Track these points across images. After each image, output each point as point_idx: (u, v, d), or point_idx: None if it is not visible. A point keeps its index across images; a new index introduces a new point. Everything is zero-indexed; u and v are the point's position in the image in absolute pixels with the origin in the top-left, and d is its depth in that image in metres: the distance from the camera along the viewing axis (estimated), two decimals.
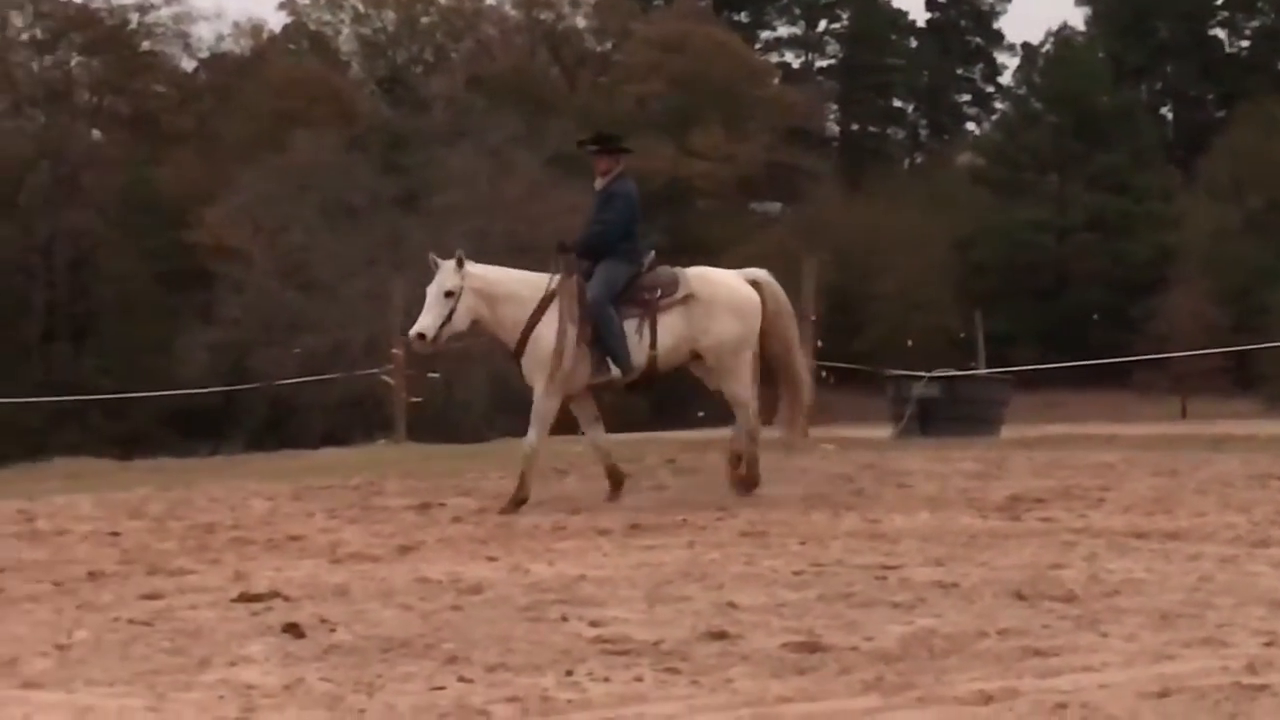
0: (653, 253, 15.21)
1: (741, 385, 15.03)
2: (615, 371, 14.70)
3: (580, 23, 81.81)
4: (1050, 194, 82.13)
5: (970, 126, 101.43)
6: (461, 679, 7.86)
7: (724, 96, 73.33)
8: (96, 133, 78.26)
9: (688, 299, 14.77)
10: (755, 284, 15.20)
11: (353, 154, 64.23)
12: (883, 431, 25.46)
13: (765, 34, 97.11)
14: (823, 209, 76.51)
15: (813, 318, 25.06)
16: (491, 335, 15.08)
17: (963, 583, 10.23)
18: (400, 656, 8.39)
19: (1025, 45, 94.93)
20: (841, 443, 21.69)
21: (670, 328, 14.74)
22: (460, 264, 14.51)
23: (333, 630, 9.06)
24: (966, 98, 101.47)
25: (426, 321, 14.44)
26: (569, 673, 7.96)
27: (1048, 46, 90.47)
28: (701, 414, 38.80)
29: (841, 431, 25.64)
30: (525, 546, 12.20)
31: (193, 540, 13.12)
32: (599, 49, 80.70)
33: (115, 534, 13.59)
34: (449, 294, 14.42)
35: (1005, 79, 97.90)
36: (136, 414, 57.36)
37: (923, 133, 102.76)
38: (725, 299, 14.92)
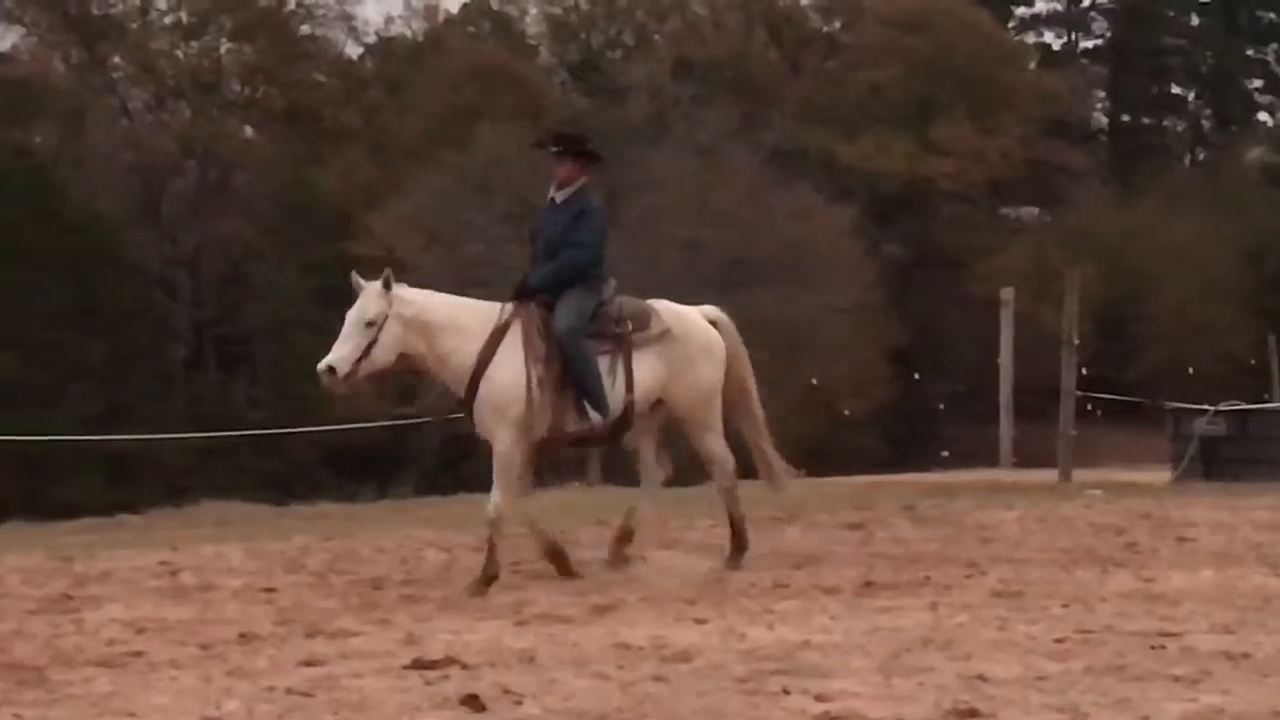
0: (613, 281, 14.66)
1: (717, 438, 14.85)
2: (595, 417, 14.07)
3: (803, 0, 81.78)
4: None
5: (1262, 117, 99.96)
6: None
7: (971, 83, 72.88)
8: (249, 129, 79.28)
9: (664, 336, 14.40)
10: (714, 324, 14.96)
11: (540, 152, 64.50)
12: (1160, 474, 25.20)
13: (1021, 10, 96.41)
14: (1088, 214, 75.67)
15: (1076, 341, 24.89)
16: (427, 374, 14.43)
17: (1255, 653, 10.10)
18: None
19: None
20: (1110, 487, 21.51)
21: (648, 368, 14.29)
22: (387, 286, 13.73)
23: (518, 703, 9.12)
24: (1258, 83, 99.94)
25: (340, 353, 13.62)
26: None
27: None
28: (946, 454, 38.77)
29: (1111, 474, 25.46)
30: (740, 607, 12.21)
31: (358, 598, 13.27)
32: (825, 29, 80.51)
33: (270, 590, 13.78)
34: (370, 323, 13.60)
35: None
36: (292, 452, 58.03)
37: (1206, 124, 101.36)
38: (700, 340, 14.65)
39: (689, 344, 14.45)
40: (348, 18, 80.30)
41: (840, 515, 18.18)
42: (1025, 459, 28.43)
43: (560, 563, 14.19)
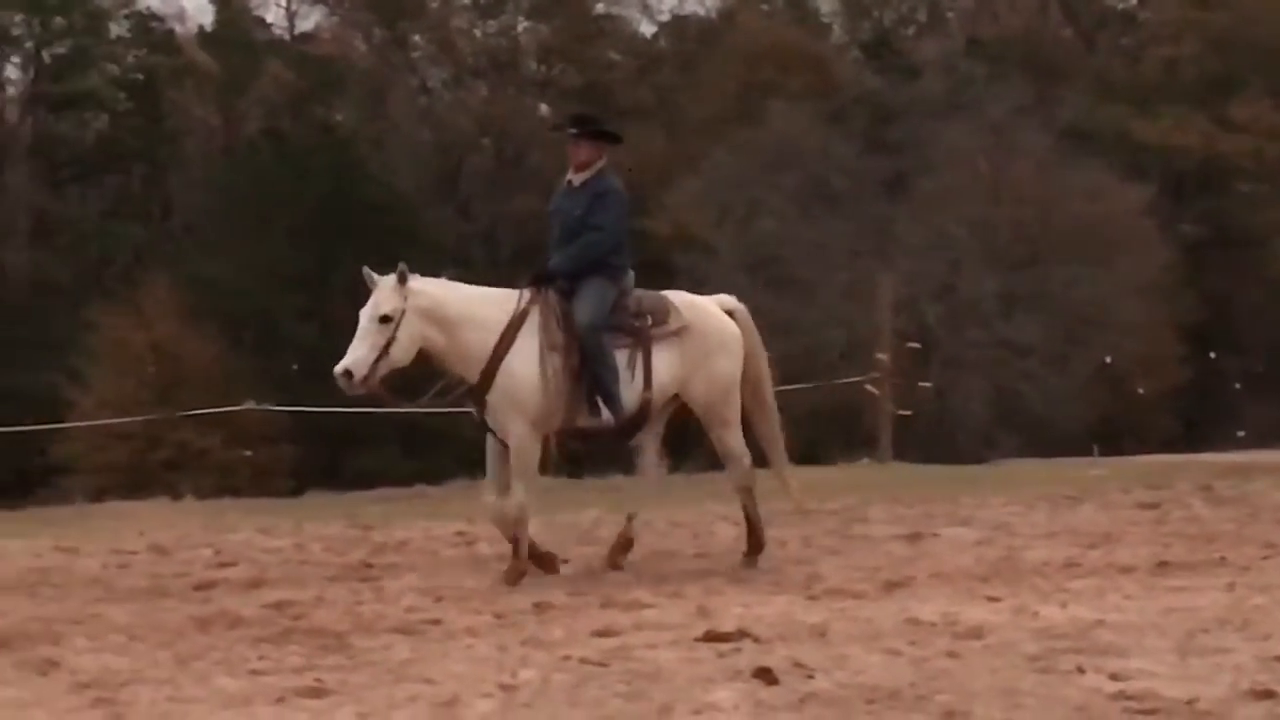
0: (632, 272, 14.05)
1: (736, 434, 14.26)
2: (607, 416, 13.52)
3: None
4: None
5: None
6: None
7: (1272, 59, 71.46)
8: (544, 107, 79.68)
9: (682, 331, 13.86)
10: (730, 314, 14.47)
11: (833, 129, 64.22)
12: None
13: None
14: None
15: None
16: (444, 368, 13.55)
17: None
18: (887, 709, 8.40)
19: None
20: None
21: (666, 364, 13.76)
22: (402, 280, 13.14)
23: (810, 676, 9.11)
24: None
25: (357, 355, 13.02)
26: None
27: None
28: (1241, 433, 38.20)
29: None
30: (1033, 586, 12.12)
31: (651, 570, 13.33)
32: (1121, 6, 79.39)
33: (564, 560, 13.88)
34: (385, 319, 13.03)
35: None
36: None
37: None
38: (717, 333, 14.14)
39: (707, 338, 13.97)
40: None
41: (1134, 494, 17.97)
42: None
43: (543, 561, 13.51)
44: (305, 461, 48.91)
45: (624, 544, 13.89)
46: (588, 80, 78.46)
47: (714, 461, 15.22)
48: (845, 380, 32.06)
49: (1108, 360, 53.63)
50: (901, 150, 63.11)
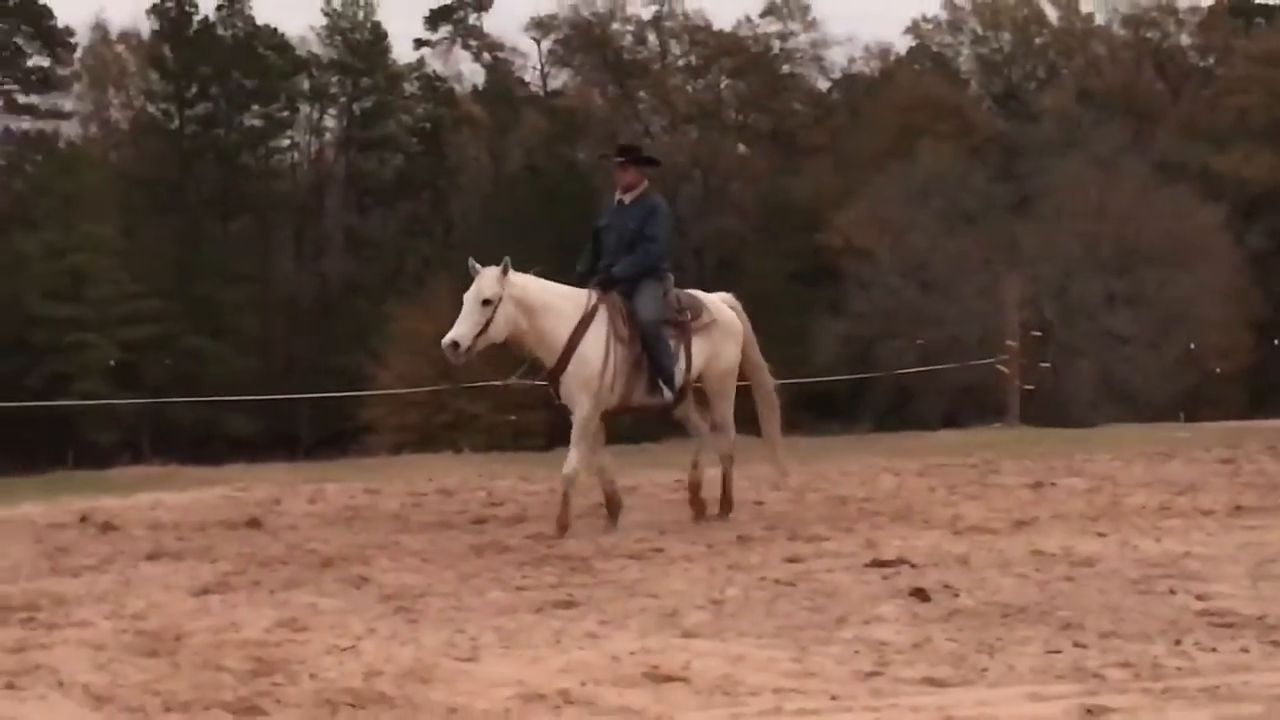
0: (671, 274, 13.28)
1: (730, 408, 13.63)
2: (668, 395, 12.93)
3: (1184, 40, 79.39)
4: None
5: None
6: (1076, 644, 7.76)
7: None
8: (742, 147, 79.72)
9: (711, 325, 13.30)
10: (732, 309, 13.80)
11: (970, 163, 63.82)
12: None
13: None
14: None
15: None
16: (524, 349, 12.82)
17: None
18: (1018, 621, 8.33)
19: None
20: None
21: (700, 351, 13.17)
22: (505, 271, 12.48)
23: (956, 595, 9.05)
24: None
25: (462, 330, 12.33)
26: (1177, 642, 7.77)
27: None
28: None
29: None
30: (1133, 524, 11.96)
31: (828, 510, 13.30)
32: (1201, 64, 78.19)
33: (759, 503, 13.89)
34: (487, 302, 12.36)
35: None
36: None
37: None
38: (727, 325, 13.53)
39: (724, 329, 13.45)
40: (819, 59, 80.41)
41: (1213, 452, 17.68)
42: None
43: (613, 508, 12.96)
44: (554, 424, 49.16)
45: (696, 485, 13.31)
46: (775, 125, 78.46)
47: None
48: (981, 362, 31.78)
49: (1191, 346, 53.01)
50: (1024, 179, 62.59)
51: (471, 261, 12.63)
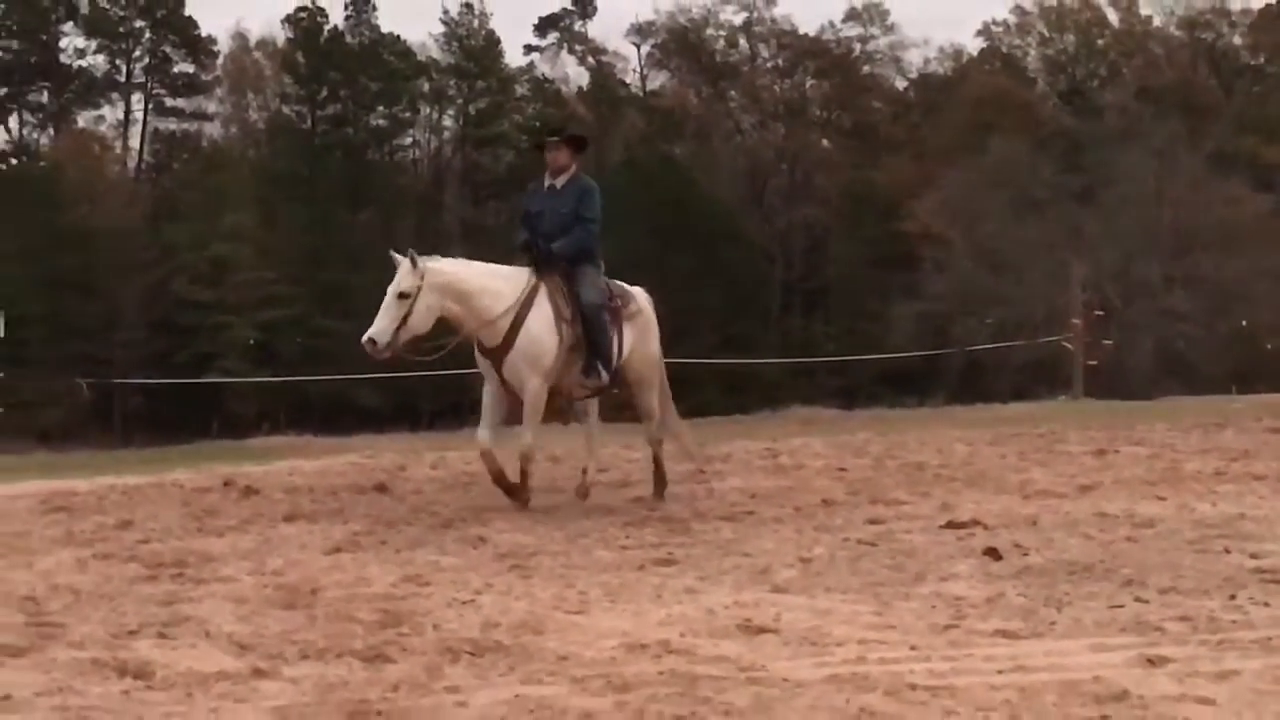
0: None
1: (654, 398, 12.69)
2: (605, 377, 12.04)
3: (1237, 40, 78.55)
4: None
5: None
6: (1138, 599, 7.69)
7: None
8: (825, 142, 79.44)
9: (637, 314, 12.43)
10: (648, 303, 12.80)
11: (1037, 156, 63.37)
12: None
13: None
14: None
15: None
16: (464, 331, 11.73)
17: None
18: (1084, 578, 8.27)
19: None
20: None
21: (628, 339, 12.27)
22: (414, 263, 11.42)
23: (1025, 554, 9.00)
24: None
25: (380, 326, 11.27)
26: (1232, 597, 7.69)
27: None
28: None
29: None
30: (1190, 489, 11.85)
31: (906, 476, 13.25)
32: (1253, 62, 77.25)
33: (843, 469, 13.85)
34: (403, 295, 11.33)
35: None
36: (856, 372, 58.12)
37: None
38: (650, 317, 12.66)
39: (648, 320, 12.58)
40: (897, 60, 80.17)
41: (1264, 422, 17.48)
42: None
43: (511, 490, 11.85)
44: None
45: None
46: (856, 121, 78.21)
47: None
48: (1048, 339, 31.61)
49: (1243, 324, 52.42)
50: (1088, 170, 62.02)
51: (391, 253, 11.60)
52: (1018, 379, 46.39)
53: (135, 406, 62.53)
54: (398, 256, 11.46)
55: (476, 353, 11.90)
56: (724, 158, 76.48)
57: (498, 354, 11.67)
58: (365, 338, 11.26)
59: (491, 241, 73.62)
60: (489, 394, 11.99)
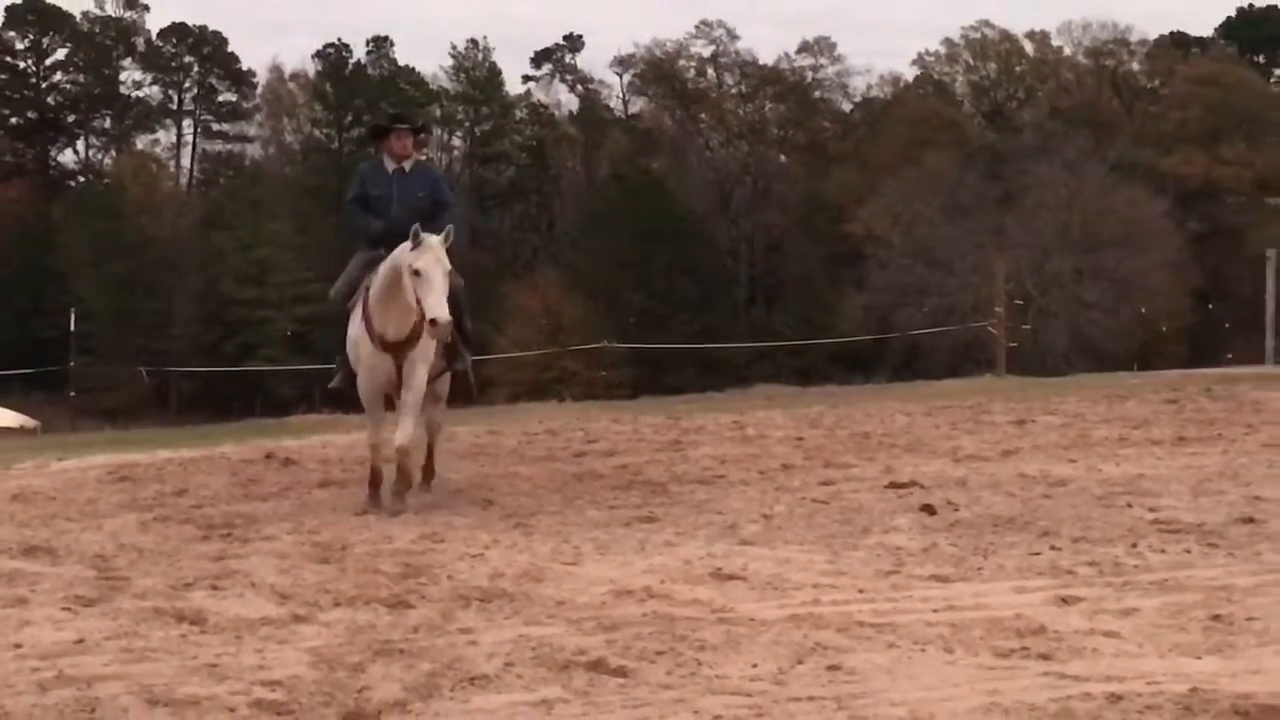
0: None
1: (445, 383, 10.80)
2: (469, 360, 10.66)
3: (1135, 66, 78.83)
4: None
5: None
6: (1053, 548, 7.73)
7: (1246, 118, 69.28)
8: (783, 157, 79.44)
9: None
10: None
11: (965, 167, 63.41)
12: None
13: (1279, 70, 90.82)
14: None
15: None
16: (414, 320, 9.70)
17: None
18: (1006, 530, 8.30)
19: None
20: None
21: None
22: (447, 238, 9.57)
23: (956, 510, 9.02)
24: None
25: (445, 308, 9.36)
26: (1134, 545, 7.74)
27: None
28: (1230, 356, 36.96)
29: None
30: (1098, 452, 11.86)
31: (854, 443, 13.23)
32: (1149, 85, 77.37)
33: (800, 438, 13.81)
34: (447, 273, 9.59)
35: None
36: (811, 355, 58.13)
37: None
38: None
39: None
40: (843, 86, 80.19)
41: (1161, 394, 17.49)
42: None
43: (374, 484, 10.01)
44: (639, 378, 49.18)
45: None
46: (809, 139, 78.24)
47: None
48: (975, 325, 31.62)
49: (1143, 310, 52.59)
50: (1008, 180, 62.07)
51: (416, 229, 9.43)
52: (949, 359, 46.42)
53: (189, 390, 62.31)
54: (421, 233, 9.43)
55: (373, 349, 9.87)
56: (696, 171, 76.48)
57: (405, 347, 9.79)
58: (439, 321, 9.23)
59: (494, 245, 73.84)
60: (374, 391, 10.11)
